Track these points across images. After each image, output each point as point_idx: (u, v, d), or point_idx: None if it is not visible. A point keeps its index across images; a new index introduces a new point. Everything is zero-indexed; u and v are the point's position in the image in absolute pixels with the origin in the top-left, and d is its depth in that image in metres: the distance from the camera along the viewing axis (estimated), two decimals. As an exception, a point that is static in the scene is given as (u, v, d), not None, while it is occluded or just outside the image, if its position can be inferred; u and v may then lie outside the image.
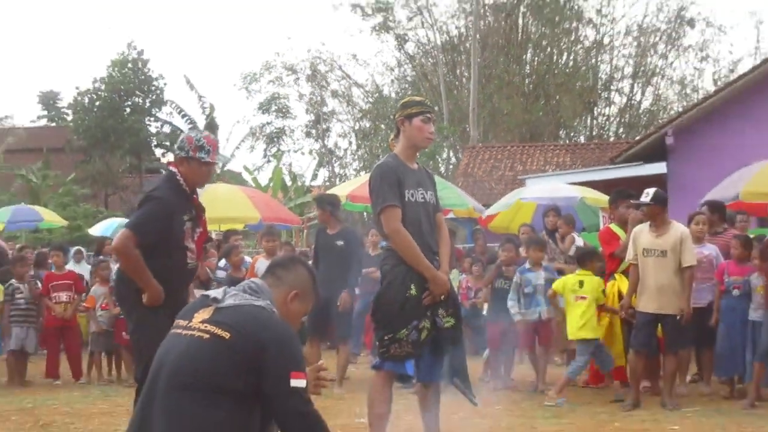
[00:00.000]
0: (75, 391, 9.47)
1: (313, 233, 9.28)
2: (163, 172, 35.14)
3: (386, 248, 5.28)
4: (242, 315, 3.44)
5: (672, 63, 36.39)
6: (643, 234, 7.89)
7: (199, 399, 3.30)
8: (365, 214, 17.88)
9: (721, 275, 8.29)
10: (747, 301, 8.11)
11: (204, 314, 3.47)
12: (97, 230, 20.20)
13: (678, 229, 7.89)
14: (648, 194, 7.96)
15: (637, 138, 22.15)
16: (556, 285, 8.44)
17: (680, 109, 26.45)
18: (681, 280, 7.72)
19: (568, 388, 9.05)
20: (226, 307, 3.48)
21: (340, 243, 8.77)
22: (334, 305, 8.30)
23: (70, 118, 38.50)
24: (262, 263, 9.44)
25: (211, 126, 35.26)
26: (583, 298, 8.04)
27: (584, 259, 8.50)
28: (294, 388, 3.34)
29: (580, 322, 8.03)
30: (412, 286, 5.09)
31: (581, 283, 8.13)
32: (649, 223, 7.93)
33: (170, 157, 36.46)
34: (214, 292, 3.63)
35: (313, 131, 39.82)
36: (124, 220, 19.16)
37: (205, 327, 3.41)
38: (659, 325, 7.80)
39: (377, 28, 37.24)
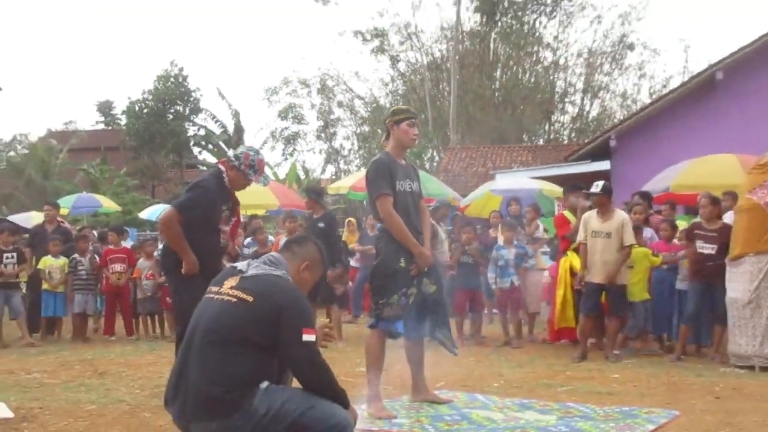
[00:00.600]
0: (127, 345, 9.48)
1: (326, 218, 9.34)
2: (204, 168, 35.28)
3: (381, 229, 5.29)
4: (263, 282, 3.45)
5: (615, 79, 36.54)
6: (591, 219, 7.92)
7: (228, 350, 3.32)
8: (365, 201, 17.90)
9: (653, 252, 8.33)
10: (674, 274, 8.16)
11: (232, 282, 3.48)
12: (145, 214, 20.19)
13: (620, 215, 7.92)
14: (597, 186, 8.00)
15: (586, 141, 22.12)
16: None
17: (622, 118, 26.41)
18: (621, 257, 7.78)
19: (530, 344, 9.12)
20: (250, 276, 3.49)
21: (321, 225, 8.76)
22: None
23: (123, 122, 38.36)
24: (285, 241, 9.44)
25: (238, 130, 35.22)
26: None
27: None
28: (306, 341, 3.35)
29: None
30: (402, 260, 5.12)
31: None
32: (596, 210, 7.96)
33: (208, 155, 36.58)
34: (240, 265, 3.64)
35: (322, 135, 39.86)
36: (167, 206, 19.26)
37: (233, 292, 3.42)
38: (603, 293, 7.83)
39: (374, 50, 37.32)
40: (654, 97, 29.50)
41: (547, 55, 36.63)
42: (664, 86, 33.60)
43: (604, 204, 7.92)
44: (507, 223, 9.81)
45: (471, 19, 36.54)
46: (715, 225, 7.88)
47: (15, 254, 9.73)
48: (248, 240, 10.91)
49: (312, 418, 3.33)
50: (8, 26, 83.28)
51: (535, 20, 36.43)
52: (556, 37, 36.48)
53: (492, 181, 16.00)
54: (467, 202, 14.80)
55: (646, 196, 9.62)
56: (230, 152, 5.37)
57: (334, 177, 34.96)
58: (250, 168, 5.55)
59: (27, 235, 11.35)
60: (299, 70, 63.90)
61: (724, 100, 15.79)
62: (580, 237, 8.05)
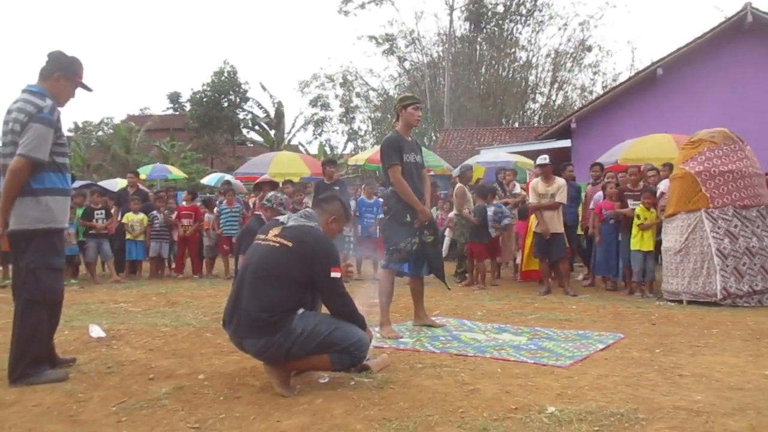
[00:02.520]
0: (193, 282, 9.53)
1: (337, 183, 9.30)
2: (251, 145, 35.08)
3: (391, 191, 5.26)
4: (300, 231, 3.46)
5: (576, 75, 35.95)
6: (538, 185, 7.99)
7: (272, 284, 3.34)
8: (377, 171, 17.80)
9: (600, 210, 8.28)
10: (617, 226, 8.10)
11: (275, 231, 3.49)
12: (205, 180, 20.21)
13: (559, 181, 8.03)
14: (545, 159, 8.02)
15: (552, 124, 21.84)
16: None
17: (580, 106, 26.07)
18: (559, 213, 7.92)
19: (505, 282, 9.11)
20: (289, 227, 3.50)
21: (336, 188, 8.74)
22: None
23: (187, 108, 38.20)
24: None
25: (279, 115, 34.99)
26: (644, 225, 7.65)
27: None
28: (333, 277, 3.37)
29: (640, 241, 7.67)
30: (408, 216, 5.11)
31: (638, 216, 7.71)
32: (541, 177, 8.01)
33: (254, 135, 36.44)
34: (282, 218, 3.65)
35: (344, 119, 39.63)
36: (223, 175, 19.25)
37: (276, 239, 3.43)
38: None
39: (385, 52, 36.86)
40: (606, 89, 29.05)
41: (522, 55, 36.10)
42: (614, 80, 33.06)
43: (548, 172, 7.92)
44: (486, 189, 9.74)
45: (462, 27, 36.07)
46: (638, 187, 8.20)
47: (103, 211, 9.77)
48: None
49: (337, 336, 3.36)
50: (94, 28, 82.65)
51: (512, 27, 35.84)
52: (529, 41, 35.97)
53: (477, 155, 15.86)
54: (457, 171, 14.69)
55: (601, 166, 9.64)
56: (265, 200, 5.32)
57: (353, 152, 34.77)
58: (280, 205, 5.49)
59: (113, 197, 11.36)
60: (326, 67, 63.45)
61: (663, 91, 15.57)
62: (531, 199, 8.06)
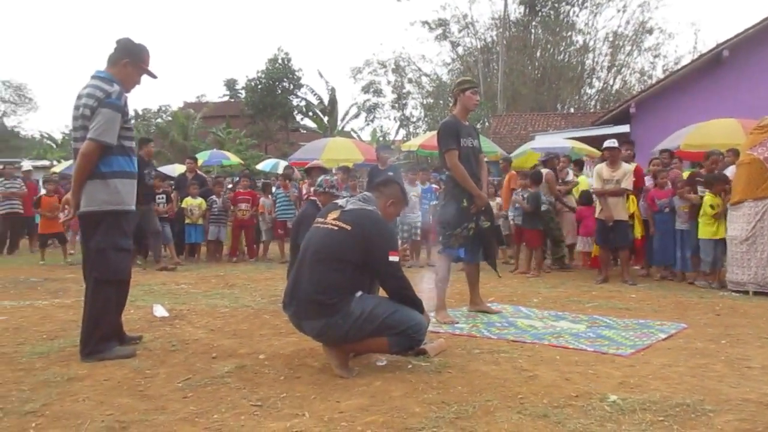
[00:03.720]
0: (249, 265, 9.71)
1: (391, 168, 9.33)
2: (304, 132, 35.44)
3: (448, 176, 5.22)
4: (358, 215, 3.47)
5: (635, 59, 34.88)
6: (603, 170, 7.73)
7: (331, 266, 3.36)
8: (428, 158, 17.75)
9: (652, 199, 8.02)
10: (673, 216, 7.85)
11: (334, 215, 3.51)
12: (260, 166, 20.48)
13: (626, 166, 7.74)
14: (614, 142, 7.80)
15: (610, 108, 21.29)
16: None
17: (639, 90, 25.29)
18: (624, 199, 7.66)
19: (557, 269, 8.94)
20: (348, 210, 3.51)
21: (389, 173, 8.73)
22: None
23: (242, 96, 38.82)
24: (406, 186, 9.41)
25: (332, 102, 35.18)
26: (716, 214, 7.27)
27: (711, 184, 7.39)
28: (391, 261, 3.38)
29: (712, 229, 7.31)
30: (464, 201, 5.07)
31: (712, 206, 7.30)
32: (606, 162, 7.76)
33: (308, 121, 36.77)
34: (341, 201, 3.67)
35: (396, 105, 39.56)
36: (277, 161, 19.49)
37: (335, 222, 3.45)
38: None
39: (438, 37, 36.55)
40: (666, 73, 28.08)
41: (579, 39, 35.22)
42: (676, 63, 31.90)
43: (615, 157, 7.69)
44: (521, 174, 9.63)
45: (516, 11, 35.40)
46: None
47: (164, 196, 10.03)
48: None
49: (396, 319, 3.37)
50: (153, 17, 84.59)
51: (569, 10, 34.99)
52: (586, 24, 35.07)
53: (532, 141, 15.60)
54: (513, 157, 14.49)
55: (669, 153, 9.22)
56: (316, 185, 5.32)
57: (405, 139, 34.71)
58: (332, 187, 5.46)
59: (173, 182, 11.65)
60: (378, 53, 63.41)
61: (729, 74, 14.93)
62: (595, 185, 7.83)
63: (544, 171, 9.12)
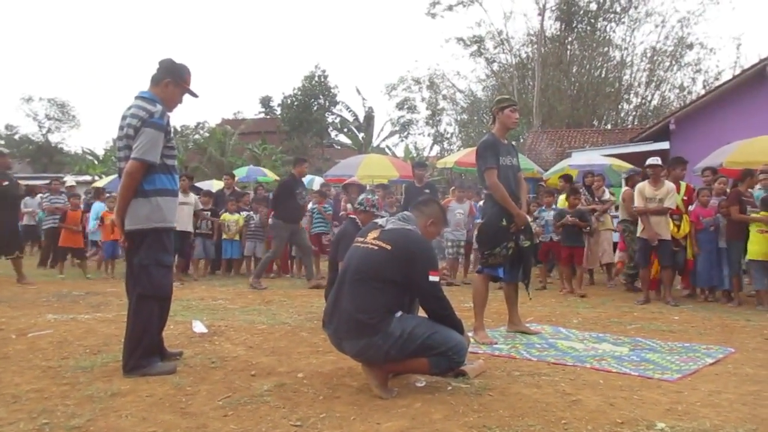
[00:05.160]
0: (285, 281, 9.76)
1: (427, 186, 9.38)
2: (338, 148, 35.71)
3: (487, 195, 5.19)
4: (398, 234, 3.46)
5: (674, 74, 34.27)
6: (645, 188, 7.57)
7: (371, 286, 3.35)
8: (462, 175, 17.67)
9: (696, 217, 7.81)
10: (717, 234, 7.65)
11: (374, 234, 3.51)
12: (296, 183, 20.65)
13: (668, 184, 7.56)
14: (657, 160, 7.66)
15: (649, 125, 20.95)
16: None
17: (679, 106, 24.86)
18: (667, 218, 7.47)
19: (598, 288, 8.77)
20: (388, 230, 3.51)
21: (426, 190, 8.73)
22: None
23: (278, 112, 39.31)
24: (454, 204, 9.53)
25: (368, 118, 35.38)
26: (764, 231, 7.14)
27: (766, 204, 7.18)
28: (432, 281, 3.36)
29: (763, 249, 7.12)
30: (503, 220, 5.02)
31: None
32: (648, 180, 7.60)
33: (343, 138, 37.04)
34: (381, 221, 3.66)
35: (430, 121, 39.57)
36: (313, 177, 19.66)
37: (375, 242, 3.45)
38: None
39: (473, 53, 36.48)
40: (707, 88, 27.52)
41: (616, 54, 34.80)
42: (717, 78, 31.25)
43: (658, 174, 7.53)
44: (545, 191, 9.57)
45: (552, 27, 35.19)
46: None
47: (209, 212, 10.22)
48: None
49: (436, 340, 3.34)
50: (192, 35, 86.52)
51: (606, 26, 34.67)
52: (624, 39, 34.63)
53: (569, 158, 15.43)
54: (549, 174, 14.35)
55: (714, 170, 8.96)
56: (357, 203, 5.49)
57: (439, 155, 34.67)
58: (373, 207, 5.55)
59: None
60: (413, 70, 63.64)
61: (773, 90, 14.60)
62: (636, 203, 7.68)
63: (623, 189, 9.02)
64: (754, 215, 7.25)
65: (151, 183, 3.84)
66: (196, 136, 37.90)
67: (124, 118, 3.91)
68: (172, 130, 4.05)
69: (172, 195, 3.98)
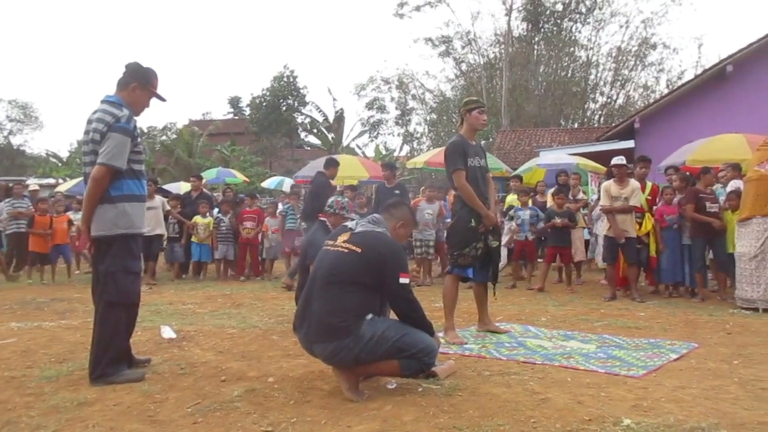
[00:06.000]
0: (255, 284, 9.69)
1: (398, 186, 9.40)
2: (308, 149, 35.58)
3: (456, 196, 5.23)
4: (369, 237, 3.47)
5: (639, 74, 34.94)
6: (611, 187, 7.72)
7: (342, 289, 3.36)
8: (432, 174, 17.75)
9: (661, 215, 7.99)
10: (680, 231, 7.85)
11: (344, 237, 3.52)
12: (265, 184, 20.54)
13: (634, 183, 7.74)
14: (622, 159, 7.79)
15: (615, 124, 21.31)
16: None
17: (643, 105, 25.32)
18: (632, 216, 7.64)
19: (579, 286, 8.87)
20: (358, 233, 3.52)
21: (396, 192, 8.76)
22: None
23: (247, 113, 39.06)
24: (424, 204, 9.43)
25: (338, 119, 35.35)
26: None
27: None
28: (402, 283, 3.37)
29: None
30: (472, 220, 5.06)
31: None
32: (614, 179, 7.75)
33: (312, 138, 36.94)
34: (350, 223, 3.67)
35: (400, 121, 39.73)
36: (282, 178, 19.56)
37: (346, 245, 3.45)
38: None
39: (441, 53, 36.74)
40: (671, 88, 28.09)
41: (582, 54, 35.35)
42: (679, 78, 31.95)
43: (623, 174, 7.68)
44: (521, 190, 9.76)
45: (519, 27, 35.59)
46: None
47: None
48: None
49: (406, 342, 3.36)
50: (158, 34, 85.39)
51: (571, 26, 35.17)
52: (589, 39, 35.22)
53: (537, 157, 15.61)
54: (517, 174, 14.51)
55: (676, 169, 9.22)
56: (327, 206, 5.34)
57: (409, 155, 34.80)
58: (343, 209, 5.49)
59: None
60: (382, 70, 63.77)
61: (733, 89, 14.96)
62: (603, 202, 7.82)
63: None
64: (699, 216, 7.53)
65: (118, 188, 3.79)
66: (164, 138, 37.44)
67: (89, 122, 3.85)
68: (139, 133, 4.00)
69: (140, 200, 3.94)
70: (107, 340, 3.70)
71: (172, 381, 3.76)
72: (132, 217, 3.82)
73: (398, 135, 40.30)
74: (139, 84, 3.96)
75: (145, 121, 54.79)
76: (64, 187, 18.66)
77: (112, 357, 3.71)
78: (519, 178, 11.04)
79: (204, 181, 18.32)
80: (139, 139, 3.95)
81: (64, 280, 10.14)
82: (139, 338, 4.93)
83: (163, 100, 4.13)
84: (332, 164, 9.31)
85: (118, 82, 3.98)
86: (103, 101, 3.91)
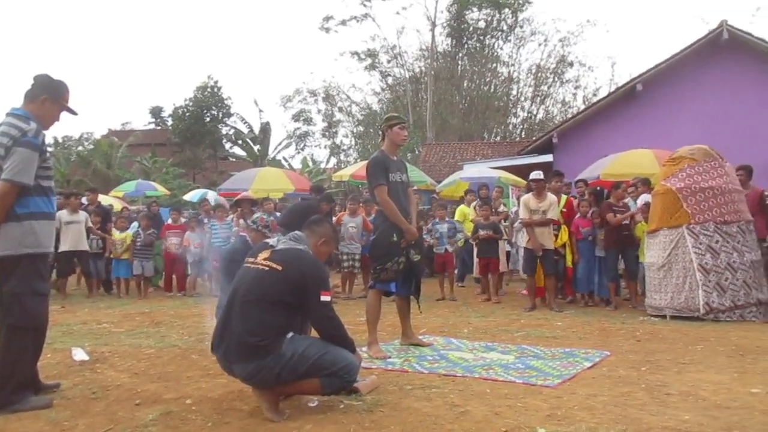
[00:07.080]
0: (176, 300, 9.44)
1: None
2: (233, 160, 35.04)
3: (378, 211, 5.27)
4: (289, 255, 3.45)
5: (557, 90, 36.33)
6: (530, 200, 7.97)
7: (262, 308, 3.32)
8: (360, 186, 17.84)
9: (576, 227, 8.33)
10: (593, 243, 8.20)
11: (265, 254, 3.48)
12: (188, 196, 19.98)
13: (551, 197, 8.04)
14: (540, 174, 8.06)
15: (534, 138, 22.01)
16: None
17: (561, 120, 26.29)
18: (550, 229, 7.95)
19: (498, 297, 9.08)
20: (279, 250, 3.49)
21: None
22: None
23: (169, 123, 38.09)
24: (347, 218, 9.47)
25: (264, 130, 34.99)
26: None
27: None
28: (323, 301, 3.36)
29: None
30: (394, 235, 5.11)
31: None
32: (533, 193, 8.02)
33: (237, 149, 36.39)
34: (271, 240, 3.64)
35: (327, 133, 39.72)
36: (206, 190, 19.14)
37: (266, 262, 3.42)
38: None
39: (367, 67, 37.05)
40: (586, 104, 29.34)
41: (504, 71, 36.46)
42: (594, 95, 33.46)
43: (541, 188, 7.97)
44: (439, 204, 10.06)
45: (444, 43, 36.39)
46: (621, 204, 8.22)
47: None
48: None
49: (327, 360, 3.35)
50: (73, 40, 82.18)
51: (494, 43, 36.25)
52: (510, 56, 36.41)
53: (461, 171, 15.95)
54: (441, 187, 14.78)
55: (585, 182, 9.73)
56: (250, 221, 5.15)
57: (336, 167, 34.82)
58: (266, 227, 5.38)
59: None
60: (308, 82, 63.65)
61: (643, 107, 15.76)
62: (522, 215, 8.08)
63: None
64: (620, 216, 7.94)
65: (24, 206, 3.61)
66: (80, 148, 36.04)
67: (-7, 136, 3.66)
68: (51, 139, 3.83)
69: (48, 218, 3.76)
70: (11, 366, 3.50)
71: (83, 406, 3.60)
72: (39, 236, 3.65)
73: (325, 147, 40.31)
74: (49, 97, 3.80)
75: (60, 130, 52.54)
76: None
77: (17, 384, 3.51)
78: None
79: (122, 194, 17.87)
80: (48, 154, 3.79)
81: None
82: (48, 361, 4.72)
83: (74, 113, 3.98)
84: (328, 201, 8.75)
85: (25, 94, 3.81)
86: (8, 114, 3.72)
